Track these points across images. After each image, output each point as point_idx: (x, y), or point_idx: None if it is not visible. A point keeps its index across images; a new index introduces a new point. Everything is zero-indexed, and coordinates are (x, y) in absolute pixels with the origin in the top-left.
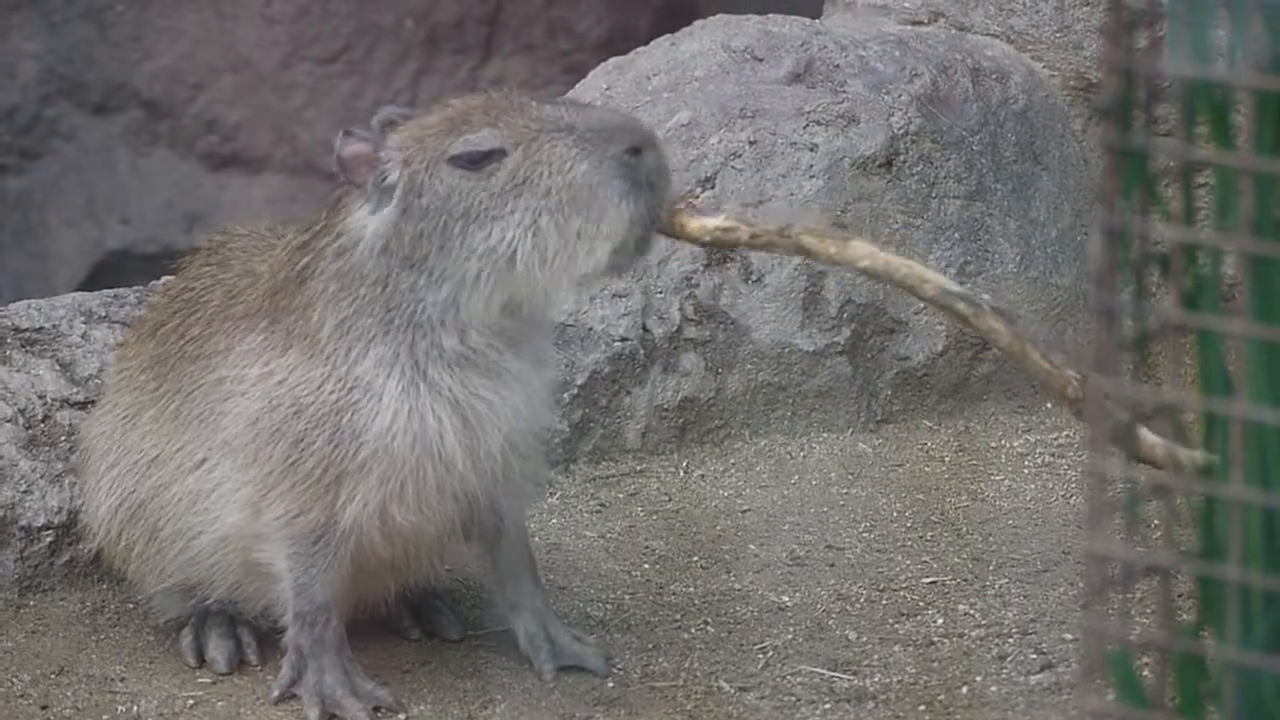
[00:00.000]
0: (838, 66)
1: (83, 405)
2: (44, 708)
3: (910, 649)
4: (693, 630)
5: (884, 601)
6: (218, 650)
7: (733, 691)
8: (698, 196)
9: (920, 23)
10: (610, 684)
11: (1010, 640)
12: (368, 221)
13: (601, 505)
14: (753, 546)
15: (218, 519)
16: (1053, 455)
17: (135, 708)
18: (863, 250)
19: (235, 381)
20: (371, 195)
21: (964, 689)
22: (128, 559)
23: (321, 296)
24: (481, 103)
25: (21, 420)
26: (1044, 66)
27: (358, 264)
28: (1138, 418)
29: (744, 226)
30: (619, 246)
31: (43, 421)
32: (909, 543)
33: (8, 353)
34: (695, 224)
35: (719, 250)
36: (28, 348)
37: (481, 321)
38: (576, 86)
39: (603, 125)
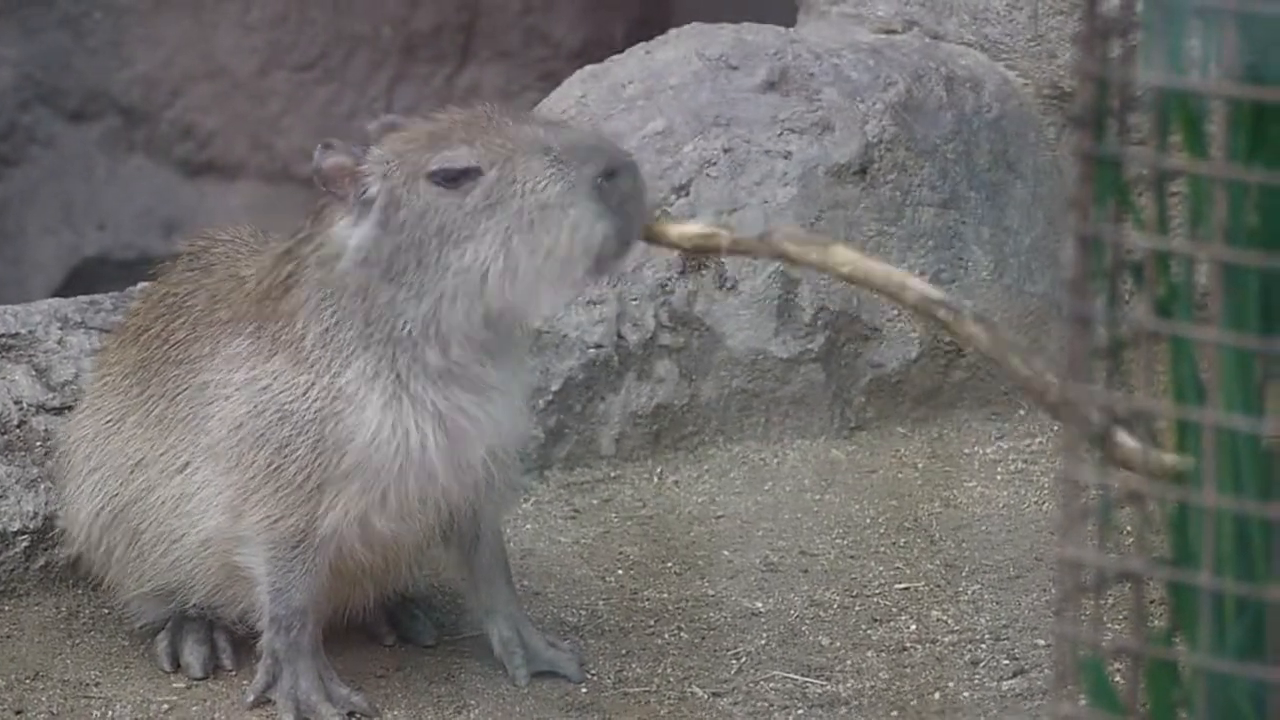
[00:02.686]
0: (812, 75)
1: (58, 411)
2: (18, 713)
3: (883, 655)
4: (666, 636)
5: (857, 607)
6: (193, 655)
7: (706, 697)
8: (671, 206)
9: (894, 31)
10: (584, 689)
11: (983, 646)
12: (349, 233)
13: (576, 511)
14: (726, 552)
15: (199, 522)
16: (1026, 462)
17: (110, 713)
18: (844, 256)
19: (220, 386)
20: (353, 207)
21: (936, 695)
22: (107, 563)
23: (305, 305)
24: (463, 119)
25: None
26: (1018, 75)
27: (339, 275)
28: (1113, 423)
29: (724, 232)
30: (588, 269)
31: (18, 427)
32: (882, 549)
33: None
34: (675, 231)
35: (698, 257)
36: (3, 353)
37: (464, 334)
38: (552, 94)
39: (578, 147)
